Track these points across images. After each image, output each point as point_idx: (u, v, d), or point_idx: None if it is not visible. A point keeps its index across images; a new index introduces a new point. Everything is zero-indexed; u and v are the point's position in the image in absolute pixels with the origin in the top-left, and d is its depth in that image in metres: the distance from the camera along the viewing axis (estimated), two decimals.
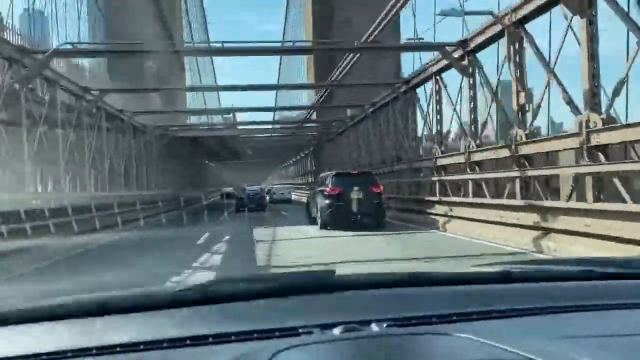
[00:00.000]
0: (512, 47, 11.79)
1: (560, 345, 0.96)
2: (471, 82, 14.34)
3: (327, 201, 15.43)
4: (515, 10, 11.54)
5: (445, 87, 16.45)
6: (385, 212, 16.05)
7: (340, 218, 15.17)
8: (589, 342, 1.00)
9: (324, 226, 15.43)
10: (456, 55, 14.57)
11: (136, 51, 18.58)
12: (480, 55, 13.97)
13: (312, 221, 17.19)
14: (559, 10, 10.45)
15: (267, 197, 32.33)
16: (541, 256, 9.12)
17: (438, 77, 16.68)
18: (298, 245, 12.68)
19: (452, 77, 15.83)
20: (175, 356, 1.01)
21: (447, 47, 14.74)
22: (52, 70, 15.85)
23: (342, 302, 1.21)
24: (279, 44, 15.27)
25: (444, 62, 15.38)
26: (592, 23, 9.61)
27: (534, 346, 0.92)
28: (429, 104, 17.57)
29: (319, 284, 1.34)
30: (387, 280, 1.46)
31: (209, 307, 1.19)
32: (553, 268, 1.79)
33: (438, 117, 17.00)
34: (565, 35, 10.36)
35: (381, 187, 16.44)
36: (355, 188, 15.32)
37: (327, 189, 15.65)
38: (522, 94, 11.83)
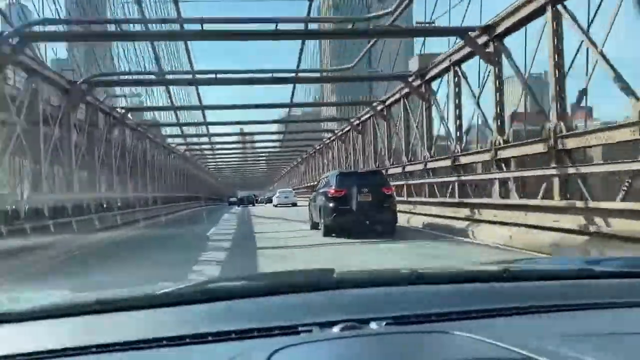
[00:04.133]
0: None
1: (560, 343, 0.96)
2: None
3: (330, 204, 13.53)
4: None
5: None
6: (397, 216, 14.06)
7: (346, 224, 13.30)
8: (589, 341, 1.00)
9: (327, 233, 13.60)
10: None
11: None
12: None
13: (314, 226, 15.44)
14: None
15: (256, 199, 55.41)
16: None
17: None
18: None
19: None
20: (175, 354, 1.00)
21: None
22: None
23: (341, 300, 1.20)
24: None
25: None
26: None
27: (533, 344, 0.92)
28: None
29: (319, 282, 1.35)
30: (386, 278, 1.47)
31: (208, 305, 1.18)
32: (553, 266, 1.80)
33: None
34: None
35: (392, 188, 14.63)
36: (363, 189, 13.43)
37: (331, 191, 13.72)
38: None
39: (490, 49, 12.86)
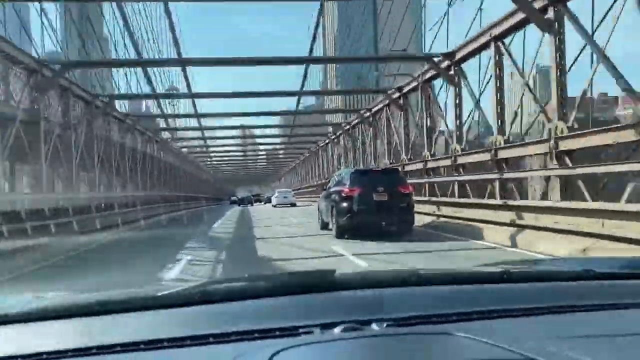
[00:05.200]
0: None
1: (559, 344, 0.96)
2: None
3: (344, 204, 12.78)
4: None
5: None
6: (414, 217, 13.33)
7: (360, 225, 12.58)
8: (588, 342, 1.01)
9: (340, 234, 12.80)
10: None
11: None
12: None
13: (324, 226, 14.77)
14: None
15: (258, 198, 62.62)
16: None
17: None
18: None
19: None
20: (175, 355, 1.01)
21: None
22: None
23: (342, 302, 1.20)
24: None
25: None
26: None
27: (533, 346, 0.92)
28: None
29: (320, 283, 1.33)
30: (387, 279, 1.47)
31: (209, 307, 1.19)
32: (552, 268, 1.81)
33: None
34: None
35: (410, 187, 13.92)
36: (379, 188, 12.78)
37: (345, 190, 13.01)
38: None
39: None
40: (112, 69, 28.19)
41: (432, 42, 18.72)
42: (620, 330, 1.08)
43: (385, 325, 1.08)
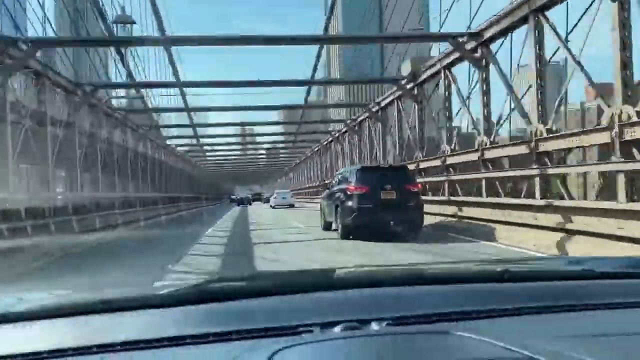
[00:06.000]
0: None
1: (560, 344, 0.96)
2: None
3: (349, 203, 12.20)
4: None
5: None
6: (423, 217, 12.55)
7: (366, 225, 11.90)
8: (589, 341, 1.00)
9: (345, 235, 12.22)
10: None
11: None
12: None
13: (327, 227, 14.16)
14: None
15: (253, 198, 62.84)
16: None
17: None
18: None
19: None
20: (174, 354, 1.00)
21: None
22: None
23: (342, 301, 1.19)
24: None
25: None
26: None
27: (534, 345, 0.92)
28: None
29: (319, 282, 1.35)
30: (387, 278, 1.46)
31: (209, 306, 1.17)
32: (553, 267, 1.79)
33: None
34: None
35: (419, 185, 13.24)
36: (387, 186, 12.10)
37: (350, 187, 12.38)
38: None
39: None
40: (109, 65, 26.52)
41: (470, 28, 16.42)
42: (622, 329, 1.07)
43: (385, 324, 1.07)
